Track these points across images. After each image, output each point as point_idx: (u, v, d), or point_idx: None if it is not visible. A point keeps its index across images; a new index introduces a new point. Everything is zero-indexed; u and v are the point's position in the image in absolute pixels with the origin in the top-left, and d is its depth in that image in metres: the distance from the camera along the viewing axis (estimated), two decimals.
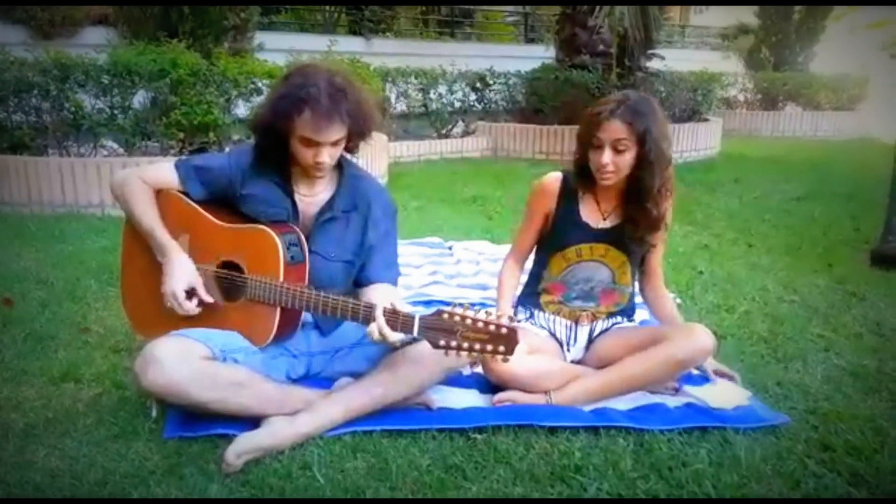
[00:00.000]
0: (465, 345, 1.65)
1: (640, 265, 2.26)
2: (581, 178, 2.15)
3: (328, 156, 1.89)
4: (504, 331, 1.63)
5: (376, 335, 1.71)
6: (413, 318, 1.70)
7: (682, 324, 2.19)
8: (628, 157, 2.01)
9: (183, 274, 1.91)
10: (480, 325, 1.64)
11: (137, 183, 2.01)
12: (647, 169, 2.02)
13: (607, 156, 2.00)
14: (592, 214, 2.17)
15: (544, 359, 2.09)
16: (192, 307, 1.90)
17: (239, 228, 1.97)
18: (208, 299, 1.93)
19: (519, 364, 1.97)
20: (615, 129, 1.99)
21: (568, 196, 2.18)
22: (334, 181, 2.06)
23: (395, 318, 1.71)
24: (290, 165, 2.00)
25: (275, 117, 1.89)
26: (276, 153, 1.97)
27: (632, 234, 2.12)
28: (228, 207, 2.03)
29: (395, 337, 1.71)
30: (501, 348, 1.63)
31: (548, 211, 2.20)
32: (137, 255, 2.07)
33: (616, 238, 2.14)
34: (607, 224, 2.16)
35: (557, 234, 2.19)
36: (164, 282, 1.90)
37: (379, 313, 1.71)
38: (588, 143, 2.05)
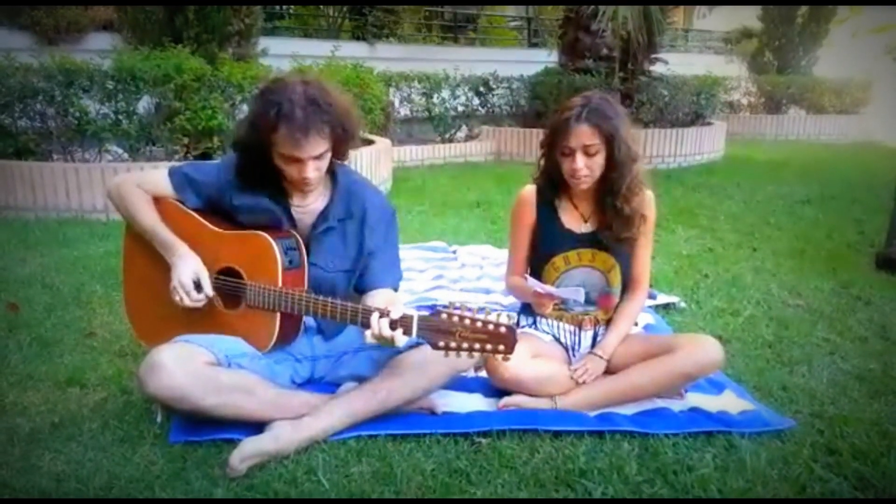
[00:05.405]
0: (465, 345, 1.64)
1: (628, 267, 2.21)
2: (553, 186, 2.14)
3: (313, 170, 1.86)
4: (503, 330, 1.63)
5: (370, 338, 1.71)
6: (411, 318, 1.69)
7: (690, 335, 2.18)
8: (599, 160, 2.01)
9: (190, 267, 1.92)
10: (479, 324, 1.63)
11: (133, 188, 2.02)
12: (615, 169, 2.02)
13: (580, 161, 1.99)
14: (573, 220, 2.16)
15: (549, 363, 2.09)
16: (199, 297, 1.90)
17: (236, 234, 1.97)
18: (211, 293, 1.93)
19: (523, 368, 1.98)
20: (583, 133, 1.97)
21: (546, 206, 2.16)
22: (328, 189, 2.03)
23: (394, 323, 1.70)
24: (281, 178, 1.95)
25: (252, 137, 1.86)
26: (262, 169, 1.92)
27: (609, 236, 2.10)
28: (225, 214, 2.02)
29: (390, 334, 1.69)
30: (501, 347, 1.63)
31: (530, 223, 2.18)
32: (138, 262, 2.08)
33: (600, 241, 2.12)
34: (589, 228, 2.14)
35: (543, 245, 2.17)
36: (172, 276, 1.91)
37: (374, 318, 1.70)
38: (557, 151, 2.04)
